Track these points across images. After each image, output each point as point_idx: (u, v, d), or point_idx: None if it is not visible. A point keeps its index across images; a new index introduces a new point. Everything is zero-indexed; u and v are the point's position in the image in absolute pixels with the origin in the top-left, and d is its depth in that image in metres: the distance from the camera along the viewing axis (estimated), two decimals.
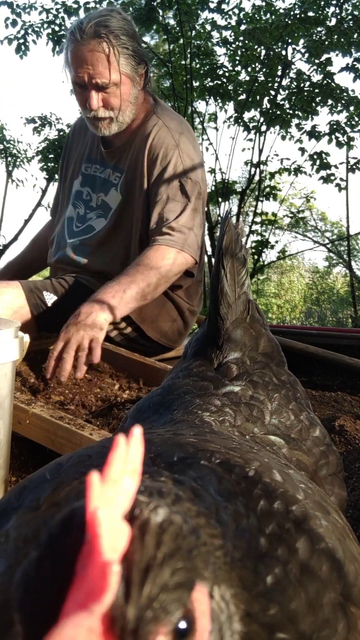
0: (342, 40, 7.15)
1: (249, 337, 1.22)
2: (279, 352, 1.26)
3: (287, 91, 7.84)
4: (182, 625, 0.44)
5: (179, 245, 2.60)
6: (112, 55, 2.59)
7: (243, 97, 7.81)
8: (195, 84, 7.96)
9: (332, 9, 7.42)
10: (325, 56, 7.49)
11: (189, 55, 7.66)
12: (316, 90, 7.60)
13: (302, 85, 7.69)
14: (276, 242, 10.07)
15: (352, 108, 7.71)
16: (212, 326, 1.22)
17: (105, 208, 2.91)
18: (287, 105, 7.77)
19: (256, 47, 7.57)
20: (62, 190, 3.16)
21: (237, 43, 7.78)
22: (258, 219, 8.72)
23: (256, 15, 7.71)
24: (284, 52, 7.60)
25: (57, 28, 7.53)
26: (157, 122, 2.77)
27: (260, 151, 8.05)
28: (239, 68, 7.90)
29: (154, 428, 1.00)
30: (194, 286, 3.02)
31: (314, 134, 7.83)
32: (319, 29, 7.47)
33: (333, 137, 7.79)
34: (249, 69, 7.84)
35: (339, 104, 7.76)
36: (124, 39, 2.62)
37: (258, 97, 7.73)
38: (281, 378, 1.18)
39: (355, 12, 7.20)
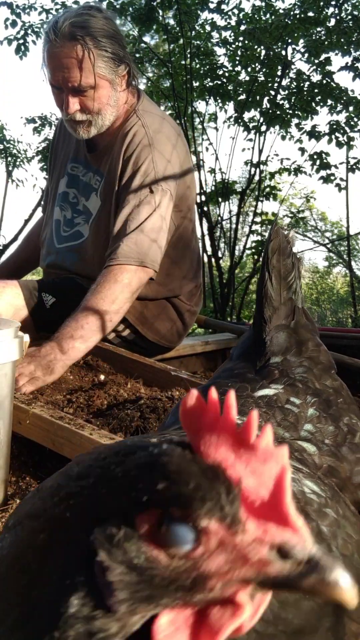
0: (341, 40, 7.14)
1: (292, 342, 1.22)
2: (328, 357, 1.26)
3: (287, 91, 7.83)
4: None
5: (135, 261, 2.48)
6: (87, 59, 2.48)
7: (243, 97, 7.80)
8: (195, 84, 7.95)
9: (331, 9, 7.42)
10: (324, 56, 7.48)
11: (188, 55, 7.65)
12: (316, 90, 7.60)
13: (302, 85, 7.68)
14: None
15: (351, 108, 7.71)
16: (256, 329, 1.23)
17: (87, 214, 2.86)
18: (287, 105, 7.76)
19: (256, 47, 7.57)
20: (50, 188, 3.14)
21: (237, 43, 7.78)
22: (258, 219, 8.71)
23: (256, 16, 7.71)
24: (283, 52, 7.60)
25: None
26: (135, 123, 2.67)
27: (260, 151, 8.05)
28: (239, 68, 7.89)
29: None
30: (193, 287, 3.02)
31: (314, 134, 7.83)
32: (318, 29, 7.46)
33: (333, 137, 7.78)
34: (249, 69, 7.83)
35: (339, 104, 7.75)
36: (103, 41, 2.51)
37: (258, 97, 7.72)
38: (325, 382, 1.18)
39: (355, 12, 7.19)
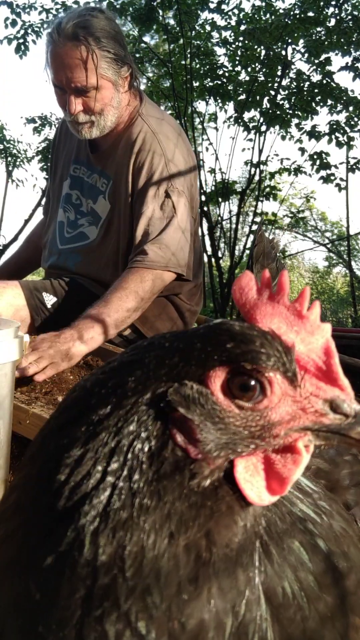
0: (341, 40, 7.15)
1: None
2: None
3: (287, 91, 7.84)
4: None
5: (160, 266, 2.52)
6: (90, 59, 2.49)
7: (243, 97, 7.81)
8: (195, 84, 7.96)
9: (331, 9, 7.42)
10: (324, 56, 7.48)
11: (189, 55, 7.65)
12: (316, 90, 7.60)
13: (302, 85, 7.69)
14: (279, 243, 10.06)
15: (351, 108, 7.71)
16: None
17: (95, 216, 2.86)
18: (287, 105, 7.77)
19: (256, 47, 7.57)
20: (52, 190, 3.14)
21: (237, 43, 7.78)
22: (258, 219, 8.72)
23: (256, 16, 7.71)
24: (283, 52, 7.60)
25: None
26: (142, 127, 2.67)
27: (260, 151, 8.06)
28: (239, 68, 7.90)
29: None
30: (194, 287, 3.02)
31: (314, 134, 7.83)
32: (318, 29, 7.47)
33: (333, 137, 7.79)
34: (249, 69, 7.84)
35: (339, 104, 7.76)
36: (105, 42, 2.51)
37: (258, 97, 7.73)
38: None
39: (355, 12, 7.20)
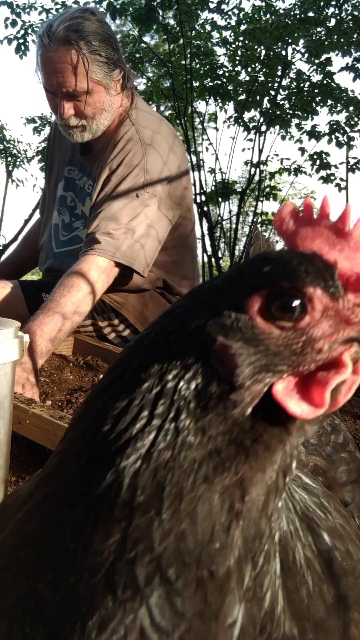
0: (341, 40, 7.15)
1: None
2: None
3: (287, 91, 7.83)
4: None
5: (111, 256, 2.41)
6: (81, 64, 2.46)
7: (243, 97, 7.81)
8: (195, 84, 7.95)
9: (331, 9, 7.42)
10: (324, 56, 7.48)
11: (189, 55, 7.65)
12: (316, 90, 7.60)
13: (302, 85, 7.69)
14: (276, 242, 10.06)
15: (351, 108, 7.71)
16: None
17: (85, 218, 2.85)
18: (287, 105, 7.76)
19: (256, 47, 7.56)
20: (48, 191, 3.13)
21: (237, 43, 7.78)
22: (258, 219, 8.71)
23: (256, 16, 7.71)
24: (283, 52, 7.60)
25: None
26: (127, 130, 2.63)
27: (260, 151, 8.05)
28: (239, 68, 7.89)
29: None
30: (192, 287, 3.02)
31: (314, 134, 7.83)
32: (318, 29, 7.46)
33: (333, 137, 7.79)
34: (249, 69, 7.84)
35: (339, 104, 7.76)
36: (97, 45, 2.48)
37: (258, 97, 7.72)
38: None
39: (355, 12, 7.20)
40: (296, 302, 0.58)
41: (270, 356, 0.58)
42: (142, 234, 2.53)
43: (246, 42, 7.58)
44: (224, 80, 7.77)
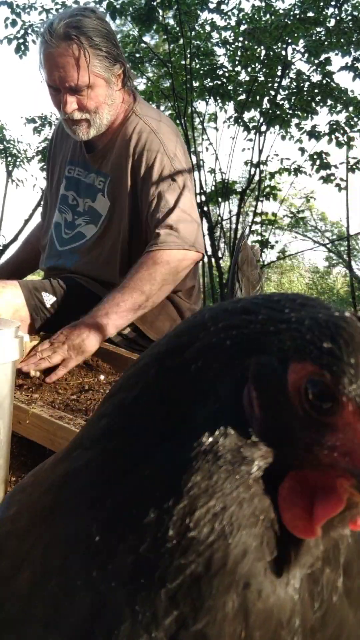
0: (341, 40, 7.15)
1: None
2: None
3: (287, 91, 7.84)
4: None
5: (178, 245, 2.54)
6: (82, 57, 2.51)
7: (243, 97, 7.81)
8: (195, 84, 7.96)
9: (331, 9, 7.43)
10: (324, 56, 7.49)
11: (188, 55, 7.65)
12: (316, 90, 7.61)
13: (301, 85, 7.69)
14: (276, 242, 10.08)
15: (351, 108, 7.72)
16: None
17: (94, 214, 2.86)
18: (287, 105, 7.77)
19: (256, 47, 7.57)
20: (50, 194, 3.14)
21: (237, 43, 7.78)
22: (258, 219, 8.72)
23: (256, 16, 7.71)
24: (283, 52, 7.60)
25: None
26: (137, 123, 2.69)
27: (260, 151, 8.05)
28: (238, 68, 7.90)
29: None
30: (191, 286, 3.02)
31: (314, 134, 7.84)
32: (318, 29, 7.47)
33: (333, 137, 7.79)
34: (249, 69, 7.84)
35: (339, 104, 7.76)
36: (97, 40, 2.53)
37: (258, 97, 7.73)
38: None
39: (355, 13, 7.20)
40: (329, 397, 0.54)
41: (287, 430, 0.55)
42: (195, 218, 2.64)
43: (246, 42, 7.58)
44: (224, 80, 7.77)
